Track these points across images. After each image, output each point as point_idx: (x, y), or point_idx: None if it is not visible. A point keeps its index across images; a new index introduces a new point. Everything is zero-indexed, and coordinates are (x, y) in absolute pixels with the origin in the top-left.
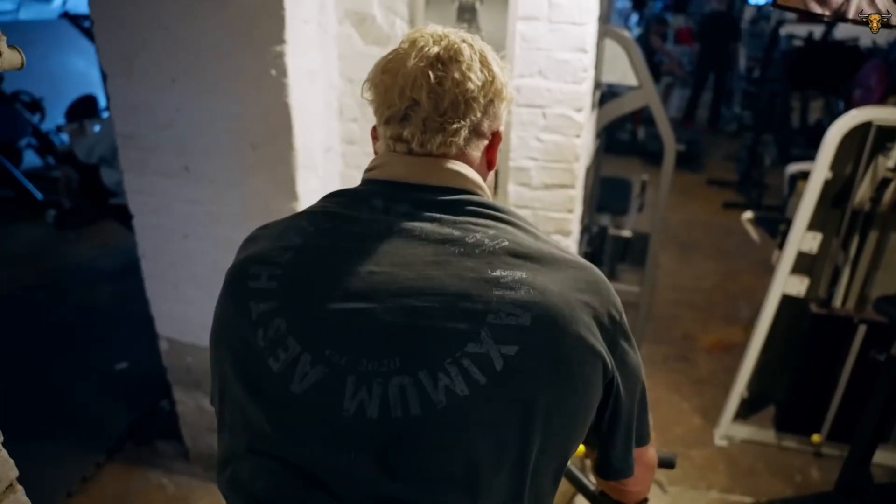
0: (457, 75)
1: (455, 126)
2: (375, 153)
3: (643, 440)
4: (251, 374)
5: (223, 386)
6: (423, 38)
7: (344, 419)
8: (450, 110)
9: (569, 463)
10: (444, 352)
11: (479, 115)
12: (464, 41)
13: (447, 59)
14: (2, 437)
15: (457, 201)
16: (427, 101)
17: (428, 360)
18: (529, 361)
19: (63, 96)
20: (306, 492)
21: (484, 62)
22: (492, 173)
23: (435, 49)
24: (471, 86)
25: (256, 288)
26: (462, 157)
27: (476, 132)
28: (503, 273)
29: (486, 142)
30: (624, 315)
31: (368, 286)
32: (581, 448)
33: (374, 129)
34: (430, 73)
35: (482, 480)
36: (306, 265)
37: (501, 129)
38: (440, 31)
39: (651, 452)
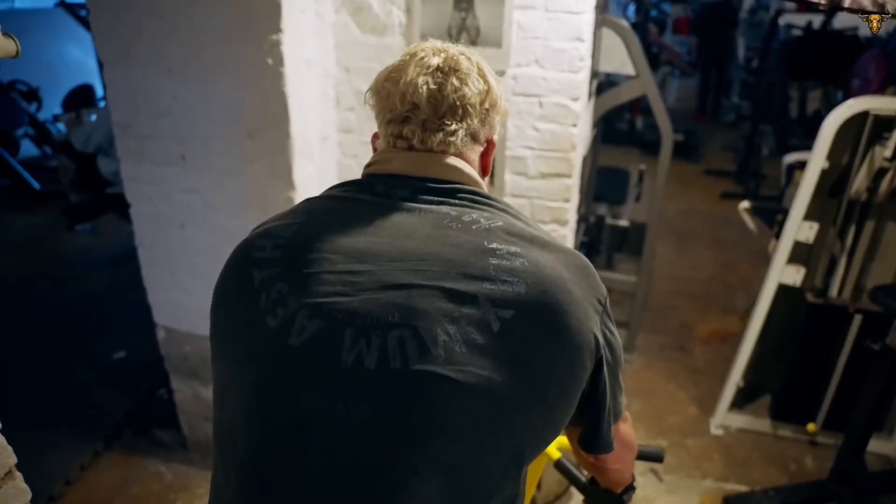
0: (455, 82)
1: (453, 127)
2: (375, 151)
3: (620, 415)
4: (250, 337)
5: (221, 356)
6: (423, 50)
7: (342, 370)
8: (448, 113)
9: (562, 456)
10: (443, 311)
11: (475, 120)
12: (462, 54)
13: (447, 70)
14: (0, 425)
15: (453, 189)
16: (427, 105)
17: (427, 317)
18: (525, 326)
19: (60, 85)
20: (300, 452)
21: (481, 73)
22: (486, 179)
23: (435, 60)
24: (468, 92)
25: (260, 257)
26: (460, 156)
27: (473, 137)
28: (499, 245)
29: (481, 148)
30: (608, 300)
31: (369, 252)
32: (563, 439)
33: (375, 135)
34: (431, 80)
35: (479, 437)
36: (309, 236)
37: (495, 138)
38: (439, 45)
39: (624, 429)
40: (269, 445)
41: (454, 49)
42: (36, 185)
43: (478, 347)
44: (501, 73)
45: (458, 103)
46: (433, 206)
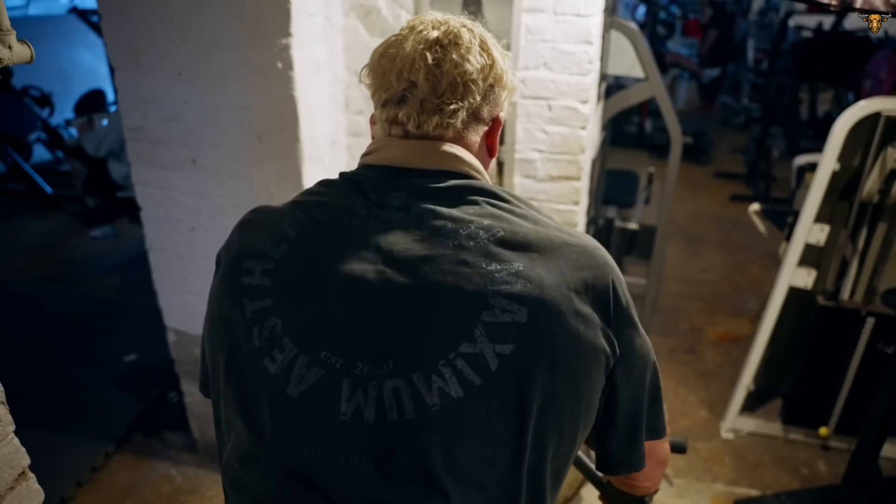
0: (455, 57)
1: (453, 107)
2: (373, 139)
3: (658, 433)
4: (248, 377)
5: (220, 385)
6: (422, 23)
7: (341, 422)
8: (448, 92)
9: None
10: (438, 352)
11: (478, 98)
12: (463, 26)
13: (446, 43)
14: (14, 426)
15: (453, 188)
16: (425, 83)
17: (421, 361)
18: (525, 360)
19: (72, 91)
20: (306, 497)
21: (484, 47)
22: (493, 161)
23: (434, 33)
24: (469, 68)
25: (249, 284)
26: (459, 140)
27: (475, 116)
28: (498, 267)
29: (485, 127)
30: (629, 300)
31: (362, 286)
32: None
33: (372, 116)
34: (429, 55)
35: (478, 480)
36: (300, 261)
37: (502, 115)
38: (440, 17)
39: (665, 448)
40: (279, 495)
41: (455, 21)
42: (48, 189)
43: (475, 389)
44: None
45: (458, 80)
46: (430, 220)
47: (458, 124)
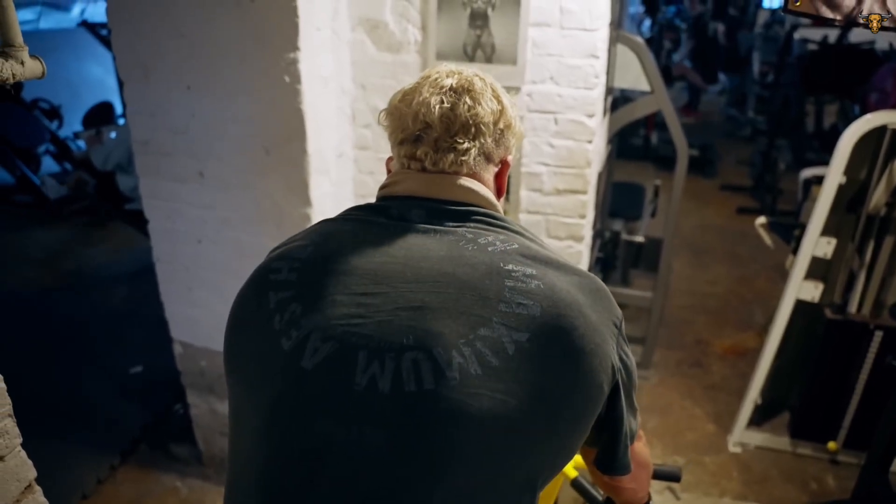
0: (469, 101)
1: (465, 146)
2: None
3: (634, 436)
4: (265, 358)
5: (234, 374)
6: (437, 72)
7: (355, 393)
8: (460, 132)
9: (578, 474)
10: (458, 333)
11: (489, 140)
12: (476, 75)
13: (460, 90)
14: (20, 439)
15: (468, 212)
16: (439, 124)
17: (442, 339)
18: (540, 349)
19: (80, 103)
20: (314, 481)
21: (495, 94)
22: (501, 200)
23: (448, 81)
24: (482, 111)
25: (276, 280)
26: (474, 176)
27: (486, 157)
28: (514, 267)
29: (495, 168)
30: (623, 322)
31: (384, 273)
32: (579, 458)
33: (389, 159)
34: (444, 99)
35: (493, 462)
36: (325, 257)
37: (510, 159)
38: (453, 67)
39: (639, 448)
40: (284, 473)
41: (468, 71)
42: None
43: (493, 370)
44: (517, 91)
45: (470, 122)
46: (449, 228)
47: (471, 161)
